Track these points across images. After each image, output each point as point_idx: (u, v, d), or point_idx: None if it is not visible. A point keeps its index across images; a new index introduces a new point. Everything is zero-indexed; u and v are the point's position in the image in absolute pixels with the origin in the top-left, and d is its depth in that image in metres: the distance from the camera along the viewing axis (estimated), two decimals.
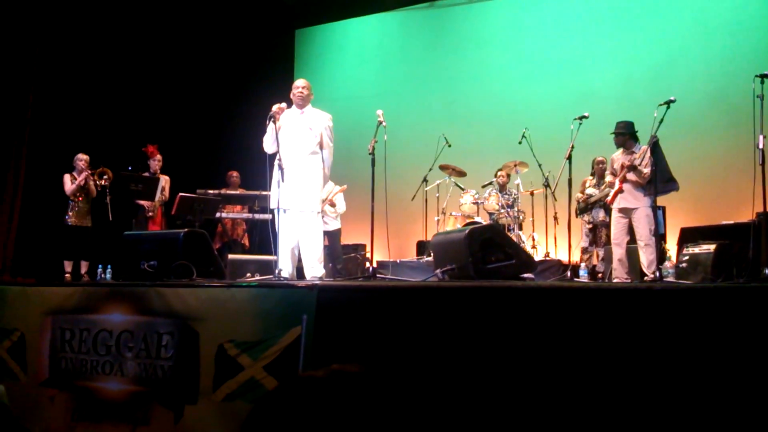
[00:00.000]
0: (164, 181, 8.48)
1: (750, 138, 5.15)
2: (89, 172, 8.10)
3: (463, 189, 8.70)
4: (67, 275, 7.92)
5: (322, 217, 8.08)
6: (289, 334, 3.67)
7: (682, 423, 2.92)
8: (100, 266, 6.40)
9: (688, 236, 6.80)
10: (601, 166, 8.16)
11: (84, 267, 8.08)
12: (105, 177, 8.13)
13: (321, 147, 5.75)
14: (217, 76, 10.90)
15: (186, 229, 5.24)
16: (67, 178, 8.07)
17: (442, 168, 8.83)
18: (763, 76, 5.17)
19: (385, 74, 11.31)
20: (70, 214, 8.02)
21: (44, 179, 8.74)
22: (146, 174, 8.39)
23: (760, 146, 5.04)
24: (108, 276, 6.20)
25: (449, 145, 8.86)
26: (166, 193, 8.51)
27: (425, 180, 8.93)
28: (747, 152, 5.42)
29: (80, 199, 8.03)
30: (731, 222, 6.67)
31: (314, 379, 1.00)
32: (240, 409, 3.71)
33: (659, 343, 3.05)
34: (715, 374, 2.93)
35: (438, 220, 8.77)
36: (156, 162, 8.50)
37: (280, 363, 3.65)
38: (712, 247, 5.57)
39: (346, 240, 8.99)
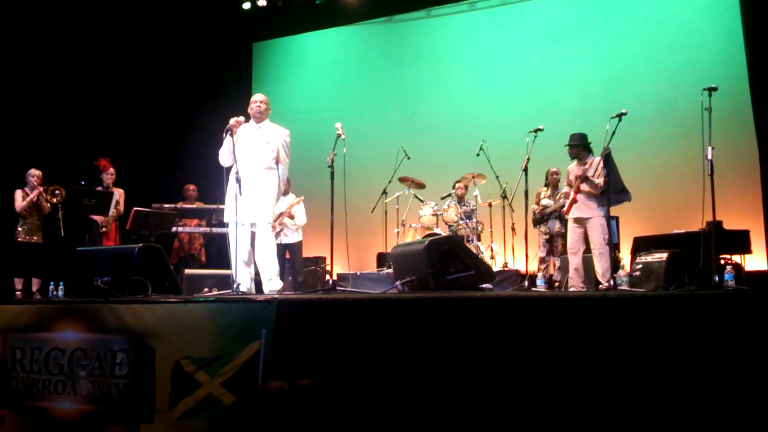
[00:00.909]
0: (118, 194, 8.31)
1: (699, 149, 5.29)
2: (41, 189, 7.90)
3: (422, 201, 8.75)
4: (17, 293, 7.70)
5: (282, 230, 8.10)
6: (247, 350, 3.62)
7: (636, 424, 2.97)
8: (51, 283, 6.22)
9: (641, 245, 6.96)
10: (555, 177, 8.30)
11: (35, 284, 7.87)
12: (57, 195, 7.92)
13: (277, 162, 5.72)
14: (173, 88, 10.77)
15: (141, 244, 5.14)
16: (18, 193, 7.86)
17: (402, 180, 8.88)
18: (710, 90, 5.32)
19: (343, 88, 11.34)
20: (20, 230, 7.81)
21: None
22: (99, 188, 8.21)
23: (709, 157, 5.18)
24: (60, 293, 6.04)
25: (408, 158, 8.91)
26: (121, 207, 8.33)
27: (385, 192, 8.96)
28: (696, 163, 5.57)
29: (28, 216, 7.83)
30: (682, 231, 6.84)
31: (272, 392, 0.99)
32: (197, 426, 3.65)
33: (614, 348, 3.11)
34: (666, 377, 3.00)
35: (398, 232, 8.80)
36: (109, 176, 8.33)
37: (238, 379, 3.60)
38: (664, 255, 5.71)
39: (305, 253, 8.95)
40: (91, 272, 4.95)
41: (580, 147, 6.82)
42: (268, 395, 1.01)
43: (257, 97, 5.86)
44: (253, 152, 5.62)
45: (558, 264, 7.97)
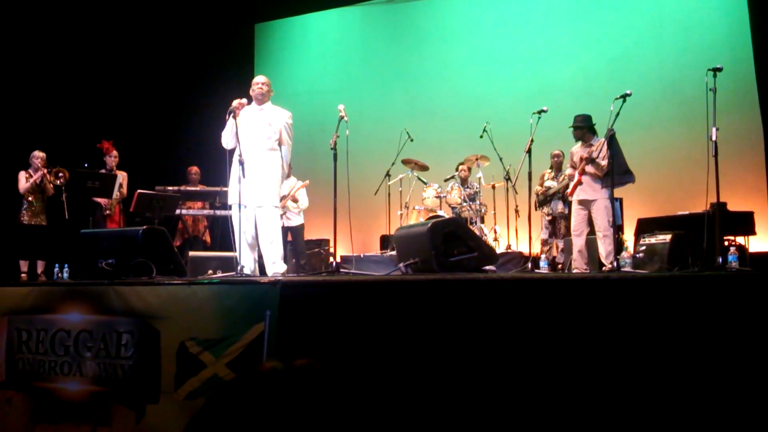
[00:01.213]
0: (122, 177, 8.31)
1: (703, 130, 5.27)
2: (45, 171, 7.90)
3: (425, 183, 8.74)
4: (23, 275, 7.74)
5: (285, 212, 8.11)
6: (252, 331, 3.65)
7: (636, 406, 2.98)
8: (56, 265, 6.26)
9: (645, 227, 6.96)
10: (558, 159, 8.28)
11: (40, 266, 7.90)
12: (61, 176, 7.93)
13: (280, 144, 5.72)
14: (176, 71, 10.73)
15: (145, 227, 5.16)
16: (22, 175, 7.87)
17: (405, 162, 8.86)
18: (715, 70, 5.29)
19: (346, 69, 11.28)
20: (24, 212, 7.83)
21: None
22: (103, 171, 8.22)
23: (713, 138, 5.16)
24: (65, 275, 6.07)
25: (411, 140, 8.88)
26: (124, 189, 8.34)
27: (388, 174, 8.94)
28: (701, 144, 5.55)
29: (32, 198, 7.85)
30: (686, 213, 6.83)
31: (265, 372, 0.99)
32: None
33: (617, 330, 3.12)
34: (670, 359, 3.01)
35: (401, 214, 8.79)
36: (112, 158, 8.33)
37: (243, 360, 3.63)
38: (667, 237, 5.71)
39: (309, 235, 8.97)
40: (95, 254, 4.96)
41: (584, 128, 6.80)
42: (260, 375, 1.01)
43: (258, 79, 5.84)
44: (255, 134, 5.61)
45: (561, 246, 7.98)
